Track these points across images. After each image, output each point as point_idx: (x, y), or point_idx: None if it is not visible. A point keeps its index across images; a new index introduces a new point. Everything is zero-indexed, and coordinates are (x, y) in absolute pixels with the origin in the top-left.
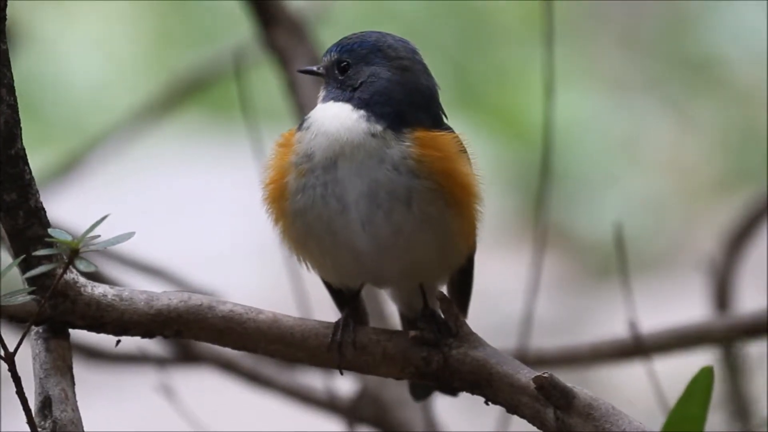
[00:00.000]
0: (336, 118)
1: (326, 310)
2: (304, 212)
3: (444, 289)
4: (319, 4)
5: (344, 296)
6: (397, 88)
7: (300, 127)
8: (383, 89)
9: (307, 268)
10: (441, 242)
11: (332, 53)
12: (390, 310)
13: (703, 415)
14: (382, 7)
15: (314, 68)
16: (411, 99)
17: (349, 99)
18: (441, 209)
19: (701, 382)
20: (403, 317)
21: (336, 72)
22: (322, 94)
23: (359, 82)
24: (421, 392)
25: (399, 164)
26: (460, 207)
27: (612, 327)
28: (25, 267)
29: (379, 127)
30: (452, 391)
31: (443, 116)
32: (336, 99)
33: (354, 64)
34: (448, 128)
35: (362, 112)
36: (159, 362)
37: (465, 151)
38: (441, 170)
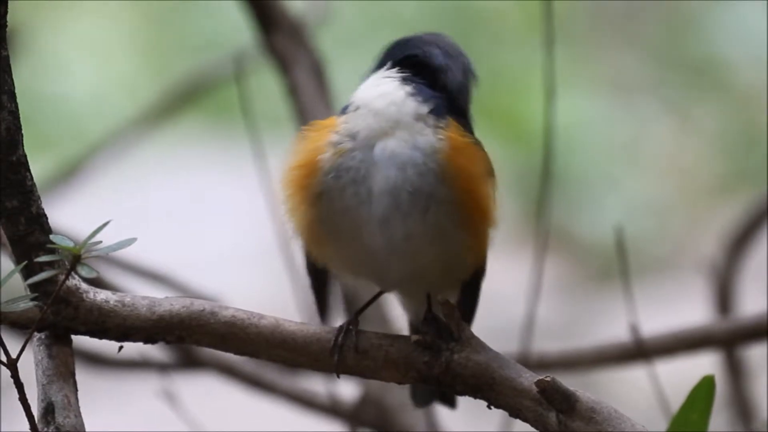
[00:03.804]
0: (385, 95)
1: None
2: (332, 197)
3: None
4: (320, 8)
5: (326, 301)
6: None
7: (345, 110)
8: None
9: (315, 258)
10: (448, 254)
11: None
12: (392, 315)
13: (704, 424)
14: (382, 11)
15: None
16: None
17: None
18: (454, 225)
19: (702, 391)
20: (413, 328)
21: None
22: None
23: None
24: (422, 399)
25: (428, 157)
26: (473, 228)
27: (614, 330)
28: (26, 273)
29: (425, 109)
30: (451, 404)
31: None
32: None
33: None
34: (478, 141)
35: (411, 88)
36: (161, 368)
37: (493, 174)
38: (464, 187)
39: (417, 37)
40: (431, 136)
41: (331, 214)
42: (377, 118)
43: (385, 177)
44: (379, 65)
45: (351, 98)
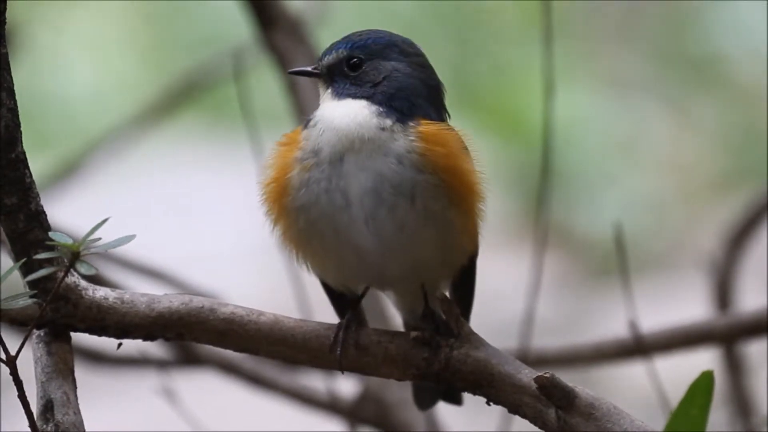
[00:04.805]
0: (347, 114)
1: (327, 312)
2: (307, 208)
3: (446, 293)
4: (319, 5)
5: (345, 302)
6: (418, 84)
7: (306, 126)
8: (407, 85)
9: (308, 269)
10: (443, 239)
11: (340, 50)
12: (391, 311)
13: (703, 419)
14: (381, 8)
15: (308, 68)
16: (428, 95)
17: (369, 95)
18: (444, 206)
19: (702, 386)
20: (408, 327)
21: (346, 69)
22: (329, 92)
23: (381, 77)
24: (425, 401)
25: (403, 157)
26: (462, 204)
27: (613, 326)
28: (26, 270)
29: (389, 122)
30: (457, 401)
31: (447, 115)
32: (354, 96)
33: (368, 60)
34: (449, 126)
35: (376, 107)
36: (160, 365)
37: (467, 149)
38: (444, 166)
39: (384, 55)
40: (403, 140)
41: (311, 224)
42: (339, 135)
43: (363, 182)
44: (343, 71)
45: (316, 112)
